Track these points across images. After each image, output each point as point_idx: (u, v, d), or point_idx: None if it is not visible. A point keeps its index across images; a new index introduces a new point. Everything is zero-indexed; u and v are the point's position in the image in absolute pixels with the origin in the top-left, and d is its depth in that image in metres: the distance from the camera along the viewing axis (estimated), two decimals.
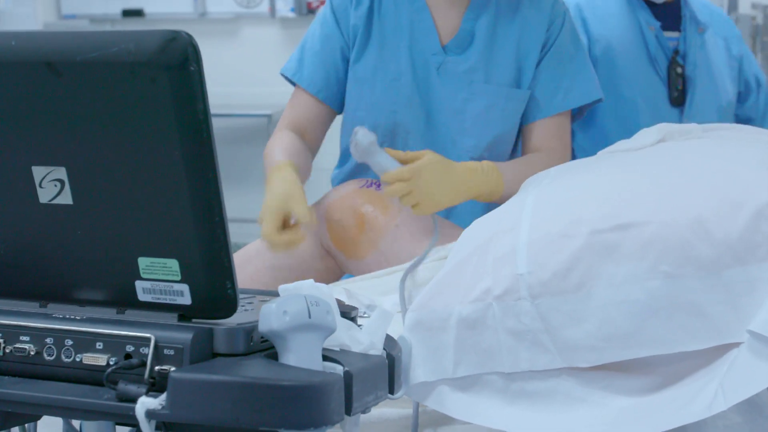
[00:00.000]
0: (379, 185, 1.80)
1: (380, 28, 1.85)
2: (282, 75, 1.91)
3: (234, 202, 4.97)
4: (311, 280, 1.00)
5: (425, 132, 1.86)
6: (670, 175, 1.19)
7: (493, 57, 1.83)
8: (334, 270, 1.82)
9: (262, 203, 1.61)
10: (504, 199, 1.54)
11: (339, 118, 1.95)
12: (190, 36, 0.87)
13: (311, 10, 4.83)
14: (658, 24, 2.30)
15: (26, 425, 1.11)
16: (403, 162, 1.64)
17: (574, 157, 2.04)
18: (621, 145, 1.47)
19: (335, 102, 1.90)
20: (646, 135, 1.44)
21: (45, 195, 0.95)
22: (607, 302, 1.06)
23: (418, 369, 1.16)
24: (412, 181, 1.60)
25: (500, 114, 1.83)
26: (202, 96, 0.88)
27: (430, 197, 1.63)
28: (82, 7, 5.09)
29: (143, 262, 0.94)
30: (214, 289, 0.93)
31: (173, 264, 0.93)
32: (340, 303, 1.06)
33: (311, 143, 1.88)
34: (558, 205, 1.20)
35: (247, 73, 4.97)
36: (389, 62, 1.84)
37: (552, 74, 1.84)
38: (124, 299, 0.96)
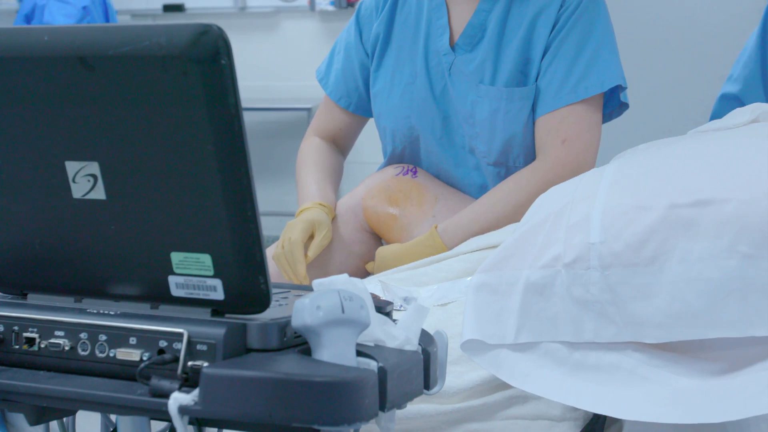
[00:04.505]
0: (415, 172, 1.81)
1: (400, 31, 1.81)
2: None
3: (273, 196, 5.00)
4: (345, 275, 0.99)
5: (442, 137, 1.80)
6: (757, 155, 1.15)
7: (501, 53, 1.72)
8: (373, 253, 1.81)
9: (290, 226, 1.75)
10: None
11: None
12: (221, 29, 0.87)
13: (351, 4, 4.82)
14: None
15: (64, 420, 1.12)
16: None
17: None
18: (713, 124, 1.43)
19: (360, 109, 1.91)
20: (738, 114, 1.40)
21: (78, 190, 0.95)
22: (680, 278, 1.03)
23: (477, 330, 1.14)
24: None
25: (504, 116, 1.71)
26: (233, 89, 0.87)
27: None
28: (124, 2, 5.12)
29: (176, 257, 0.93)
30: (247, 284, 0.92)
31: (206, 259, 0.92)
32: (374, 297, 1.05)
33: (342, 148, 1.95)
34: (637, 177, 1.17)
35: (287, 67, 4.98)
36: (405, 65, 1.79)
37: (561, 61, 1.68)
38: (158, 294, 0.96)
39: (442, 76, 1.77)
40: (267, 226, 0.95)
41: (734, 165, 1.12)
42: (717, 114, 1.86)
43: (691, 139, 1.37)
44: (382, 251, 1.72)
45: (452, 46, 1.76)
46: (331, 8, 4.86)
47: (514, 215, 1.62)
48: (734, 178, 1.08)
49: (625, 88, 1.74)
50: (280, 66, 4.98)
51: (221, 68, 0.86)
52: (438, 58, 1.77)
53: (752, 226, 1.02)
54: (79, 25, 0.95)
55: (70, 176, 0.95)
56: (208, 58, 0.86)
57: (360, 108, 1.91)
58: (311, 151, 1.89)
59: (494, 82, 1.72)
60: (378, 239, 1.84)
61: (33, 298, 1.02)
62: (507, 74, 1.71)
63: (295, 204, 1.82)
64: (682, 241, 1.04)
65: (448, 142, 1.80)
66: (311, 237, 1.74)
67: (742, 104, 1.82)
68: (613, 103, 1.77)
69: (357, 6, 1.91)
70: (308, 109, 4.71)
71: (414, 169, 1.83)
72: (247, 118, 0.89)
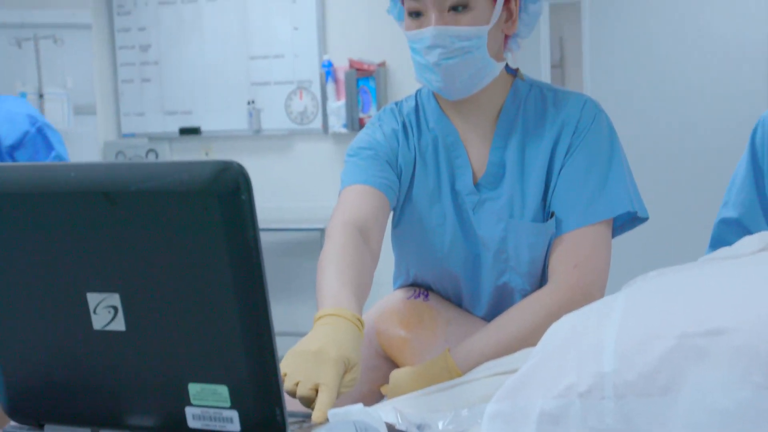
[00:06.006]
0: (427, 295, 1.82)
1: (422, 168, 1.80)
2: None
3: (285, 316, 5.00)
4: (360, 405, 1.00)
5: (473, 274, 1.80)
6: (767, 283, 1.16)
7: (526, 186, 1.73)
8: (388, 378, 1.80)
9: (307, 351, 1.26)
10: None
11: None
12: (241, 166, 0.89)
13: (363, 126, 4.91)
14: None
15: None
16: None
17: None
18: (722, 252, 1.45)
19: (389, 192, 1.74)
20: (747, 243, 1.42)
21: (99, 321, 0.96)
22: (694, 408, 1.03)
23: None
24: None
25: (542, 249, 1.73)
26: (252, 223, 0.89)
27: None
28: (141, 126, 5.24)
29: (193, 388, 0.94)
30: (264, 415, 0.92)
31: (223, 390, 0.93)
32: (388, 427, 1.05)
33: (374, 241, 1.67)
34: (649, 306, 1.18)
35: (301, 188, 5.05)
36: (434, 206, 1.79)
37: (571, 184, 1.70)
38: (175, 425, 0.96)
39: (468, 215, 1.77)
40: (280, 345, 0.95)
41: (745, 294, 1.14)
42: (717, 237, 1.88)
43: (702, 267, 1.39)
44: (396, 374, 1.71)
45: (474, 184, 1.77)
46: (344, 131, 4.95)
47: (527, 338, 1.63)
48: (745, 307, 1.09)
49: (634, 212, 1.76)
50: (294, 187, 5.05)
51: (241, 203, 0.89)
52: (462, 198, 1.77)
53: (765, 355, 1.02)
54: (104, 162, 0.98)
55: (92, 308, 0.96)
56: (228, 193, 0.89)
57: (384, 187, 1.73)
58: (340, 252, 1.58)
59: (523, 216, 1.73)
60: (392, 363, 1.83)
61: (50, 429, 1.03)
62: (535, 207, 1.73)
63: (308, 324, 1.75)
64: (695, 370, 1.05)
65: (479, 279, 1.80)
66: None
67: (743, 227, 1.83)
68: (623, 216, 1.78)
69: (372, 120, 1.84)
70: (321, 230, 4.76)
71: (426, 293, 1.84)
72: (262, 237, 0.91)
